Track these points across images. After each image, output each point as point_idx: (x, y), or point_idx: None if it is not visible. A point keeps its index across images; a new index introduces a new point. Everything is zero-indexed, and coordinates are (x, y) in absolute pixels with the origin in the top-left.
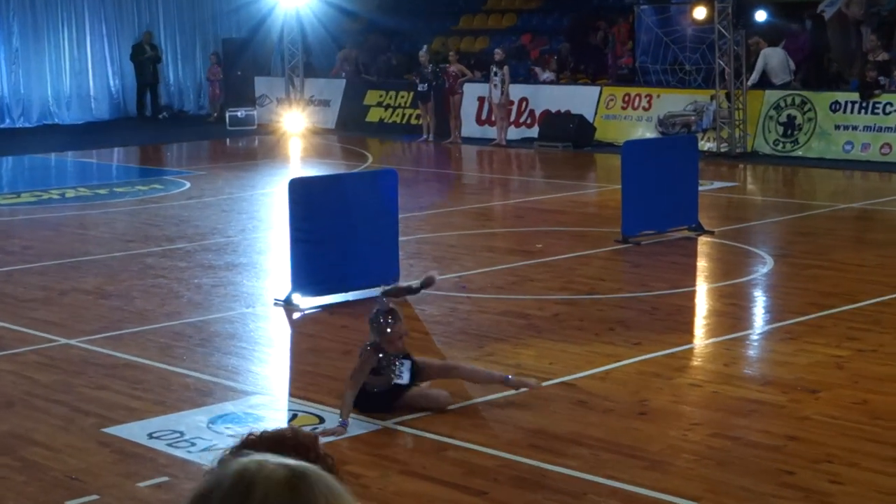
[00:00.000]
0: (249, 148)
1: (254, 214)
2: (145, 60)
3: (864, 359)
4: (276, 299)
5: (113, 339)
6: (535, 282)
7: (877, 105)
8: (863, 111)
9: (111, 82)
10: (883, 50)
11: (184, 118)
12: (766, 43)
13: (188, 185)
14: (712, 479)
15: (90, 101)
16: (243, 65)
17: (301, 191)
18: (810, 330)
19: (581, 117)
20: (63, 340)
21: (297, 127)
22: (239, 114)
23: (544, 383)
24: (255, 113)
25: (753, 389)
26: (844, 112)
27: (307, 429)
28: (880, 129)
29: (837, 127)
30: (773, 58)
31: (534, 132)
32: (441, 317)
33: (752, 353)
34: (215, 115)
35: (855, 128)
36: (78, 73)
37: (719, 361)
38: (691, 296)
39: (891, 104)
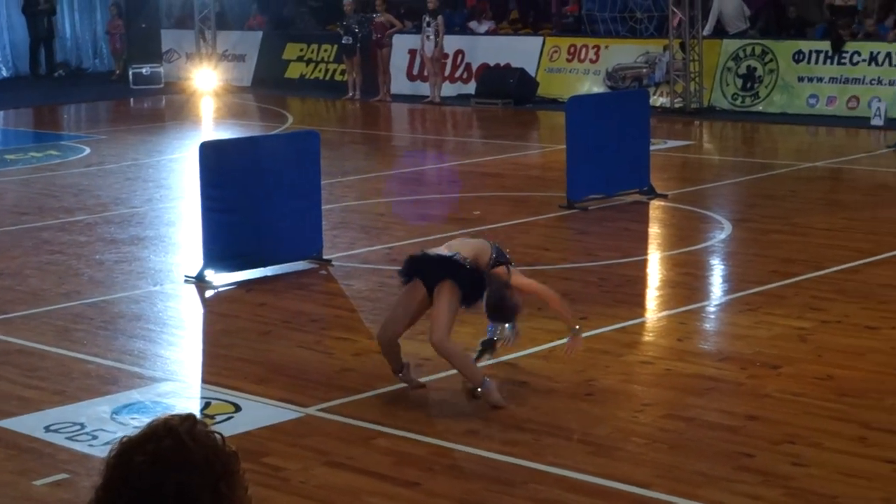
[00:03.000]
0: (156, 108)
1: (161, 182)
2: (38, 12)
3: (829, 330)
4: (186, 276)
5: (4, 323)
6: None
7: (843, 54)
8: (829, 62)
9: None
10: None
11: (82, 76)
12: None
13: (88, 150)
14: (664, 464)
15: None
16: (148, 16)
17: (213, 155)
18: (771, 300)
19: (522, 71)
20: None
21: (208, 85)
22: (144, 71)
23: (483, 363)
24: (161, 70)
25: (709, 366)
26: (809, 62)
27: (221, 418)
28: (847, 81)
29: (801, 79)
30: (727, 4)
31: (471, 88)
32: (369, 292)
33: (708, 326)
34: (117, 72)
35: (820, 80)
36: None
37: (672, 336)
38: (642, 265)
39: (858, 53)
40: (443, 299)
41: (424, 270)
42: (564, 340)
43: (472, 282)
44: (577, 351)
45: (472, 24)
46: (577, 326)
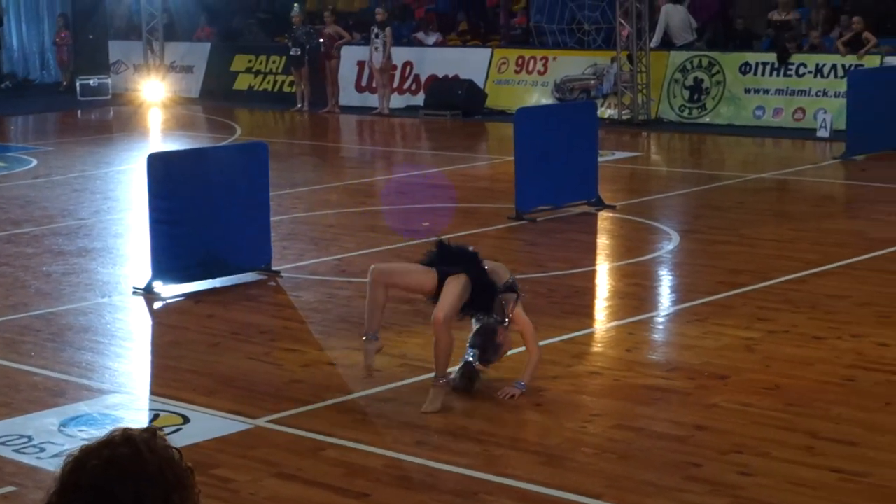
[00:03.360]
0: (103, 120)
1: (109, 194)
2: None
3: (776, 340)
4: (134, 288)
5: None
6: None
7: (790, 66)
8: (775, 73)
9: None
10: (792, 8)
11: (29, 88)
12: None
13: (35, 162)
14: (614, 474)
15: None
16: (95, 27)
17: (161, 167)
18: (719, 310)
19: (471, 83)
20: None
21: (156, 96)
22: (91, 82)
23: (433, 374)
24: (109, 81)
25: (658, 376)
26: (755, 74)
27: (170, 429)
28: (793, 93)
29: (748, 91)
30: (674, 16)
31: (419, 100)
32: (318, 304)
33: (656, 336)
34: (65, 83)
35: (766, 91)
36: None
37: (621, 347)
38: (591, 276)
39: (804, 65)
40: (456, 285)
41: (447, 259)
42: (518, 350)
43: (483, 287)
44: (511, 397)
45: (420, 35)
46: (525, 384)
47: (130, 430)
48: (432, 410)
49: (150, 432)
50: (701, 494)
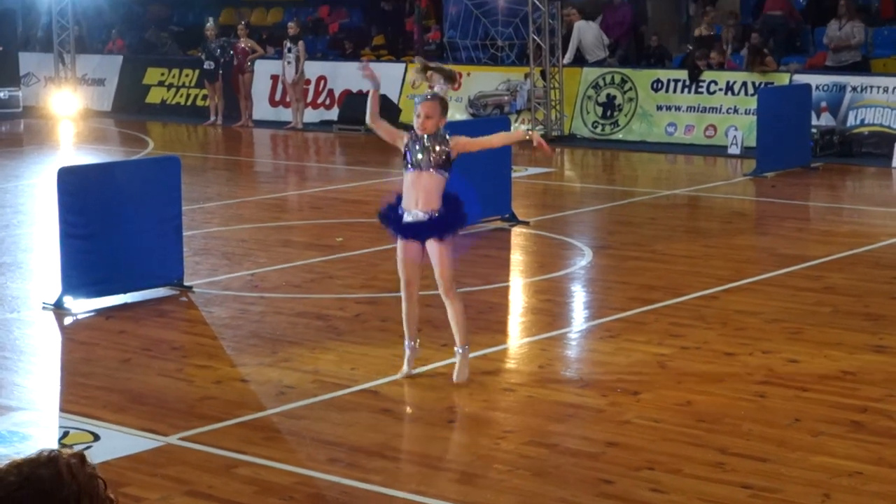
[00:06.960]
0: (13, 133)
1: (19, 208)
2: None
3: (688, 357)
4: (44, 303)
5: None
6: (335, 279)
7: (701, 83)
8: (686, 90)
9: None
10: (708, 25)
11: None
12: (579, 16)
13: None
14: (527, 491)
15: None
16: (4, 39)
17: (72, 181)
18: (631, 327)
19: (385, 98)
20: None
21: (68, 109)
22: (1, 94)
23: (346, 391)
24: (19, 94)
25: (571, 392)
26: (667, 91)
27: (81, 447)
28: (705, 110)
29: (660, 107)
30: (587, 32)
31: (333, 114)
32: (230, 319)
33: (569, 353)
34: None
35: (678, 108)
36: None
37: (534, 363)
38: (504, 292)
39: (715, 82)
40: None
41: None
42: (430, 367)
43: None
44: (545, 147)
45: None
46: (529, 130)
47: (61, 451)
48: (464, 379)
49: (79, 457)
50: None
